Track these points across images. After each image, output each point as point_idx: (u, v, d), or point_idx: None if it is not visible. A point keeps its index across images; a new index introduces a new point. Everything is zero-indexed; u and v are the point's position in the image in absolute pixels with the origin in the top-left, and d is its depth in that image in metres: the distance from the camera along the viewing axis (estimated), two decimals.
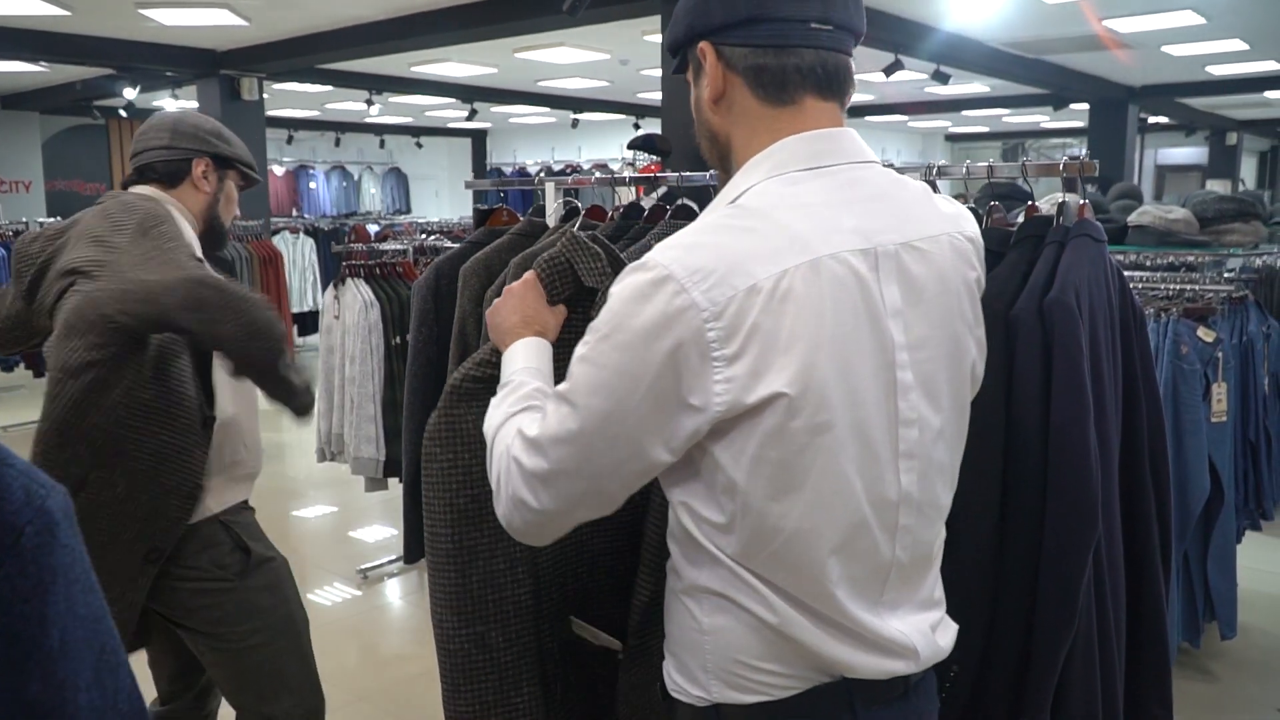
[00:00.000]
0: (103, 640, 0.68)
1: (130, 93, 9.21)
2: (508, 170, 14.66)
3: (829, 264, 1.00)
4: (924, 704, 1.18)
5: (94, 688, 0.66)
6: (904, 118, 14.71)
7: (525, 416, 1.13)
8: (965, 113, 13.80)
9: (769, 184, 1.07)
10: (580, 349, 1.05)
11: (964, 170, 1.98)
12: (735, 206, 1.07)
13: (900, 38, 7.37)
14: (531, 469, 1.07)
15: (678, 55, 1.18)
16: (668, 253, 1.00)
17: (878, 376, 1.04)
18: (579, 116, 12.92)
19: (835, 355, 1.00)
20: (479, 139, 17.01)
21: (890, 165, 1.99)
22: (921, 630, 1.14)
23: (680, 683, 1.14)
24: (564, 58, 8.89)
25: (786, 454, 1.01)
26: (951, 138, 19.29)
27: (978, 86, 11.21)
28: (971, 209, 1.87)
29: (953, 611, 1.61)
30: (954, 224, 1.14)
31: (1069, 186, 1.89)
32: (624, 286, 1.02)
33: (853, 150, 1.10)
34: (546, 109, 12.91)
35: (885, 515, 1.07)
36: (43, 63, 7.98)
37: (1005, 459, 1.58)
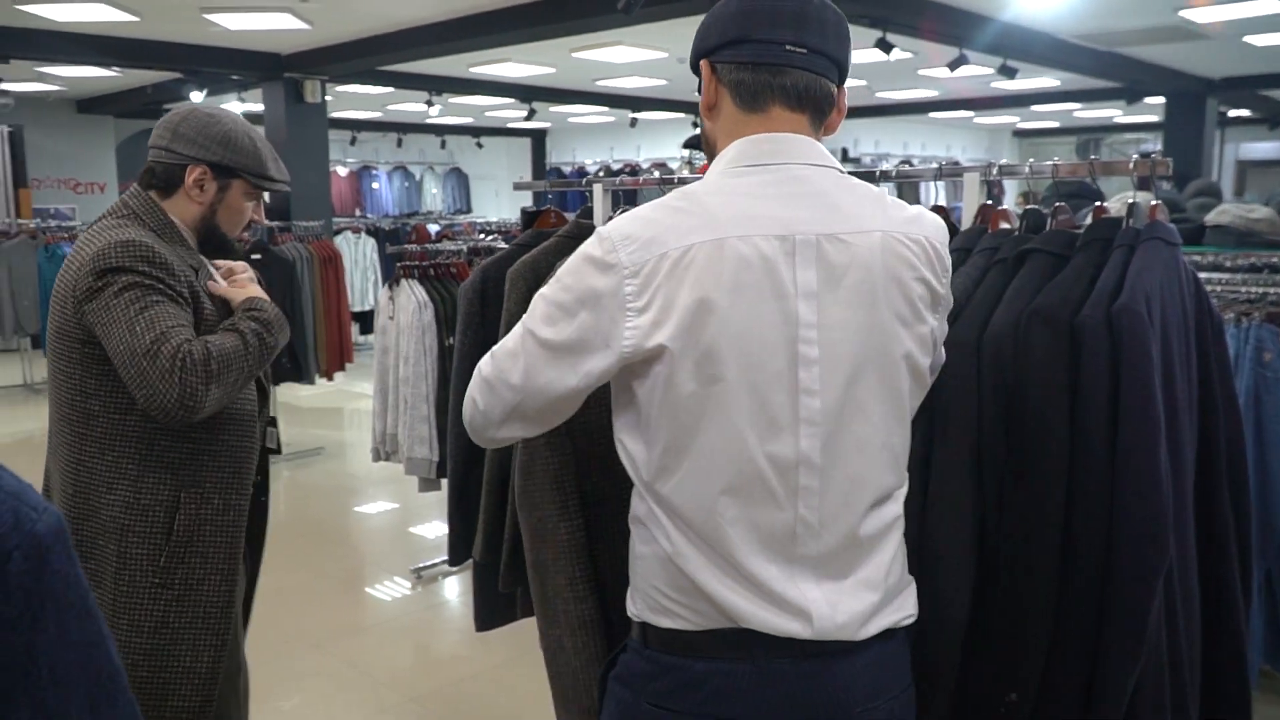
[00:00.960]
0: (99, 666, 0.65)
1: (198, 96, 9.40)
2: (567, 170, 14.70)
3: (734, 244, 1.17)
4: (844, 674, 1.24)
5: (87, 716, 0.64)
6: (969, 113, 14.44)
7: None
8: (1034, 108, 13.49)
9: (719, 175, 1.26)
10: (542, 289, 1.27)
11: (1027, 168, 1.89)
12: (680, 191, 1.25)
13: (964, 31, 7.21)
14: (484, 375, 1.30)
15: (698, 74, 1.35)
16: (616, 222, 1.22)
17: (781, 347, 1.19)
18: (637, 115, 12.89)
19: (730, 320, 1.17)
20: (538, 139, 17.09)
21: (955, 163, 1.90)
22: (835, 603, 1.23)
23: (627, 599, 1.34)
24: (621, 56, 8.86)
25: (684, 397, 1.19)
26: (1019, 134, 18.89)
27: (1047, 80, 10.94)
28: (1033, 209, 1.79)
29: (1012, 636, 1.55)
30: (900, 226, 1.25)
31: (1142, 185, 1.80)
32: (583, 244, 1.24)
33: (799, 153, 1.25)
34: (605, 108, 12.90)
35: (785, 474, 1.21)
36: (114, 68, 8.19)
37: (1069, 476, 1.50)
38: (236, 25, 7.19)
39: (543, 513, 1.58)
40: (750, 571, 1.21)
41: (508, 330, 2.13)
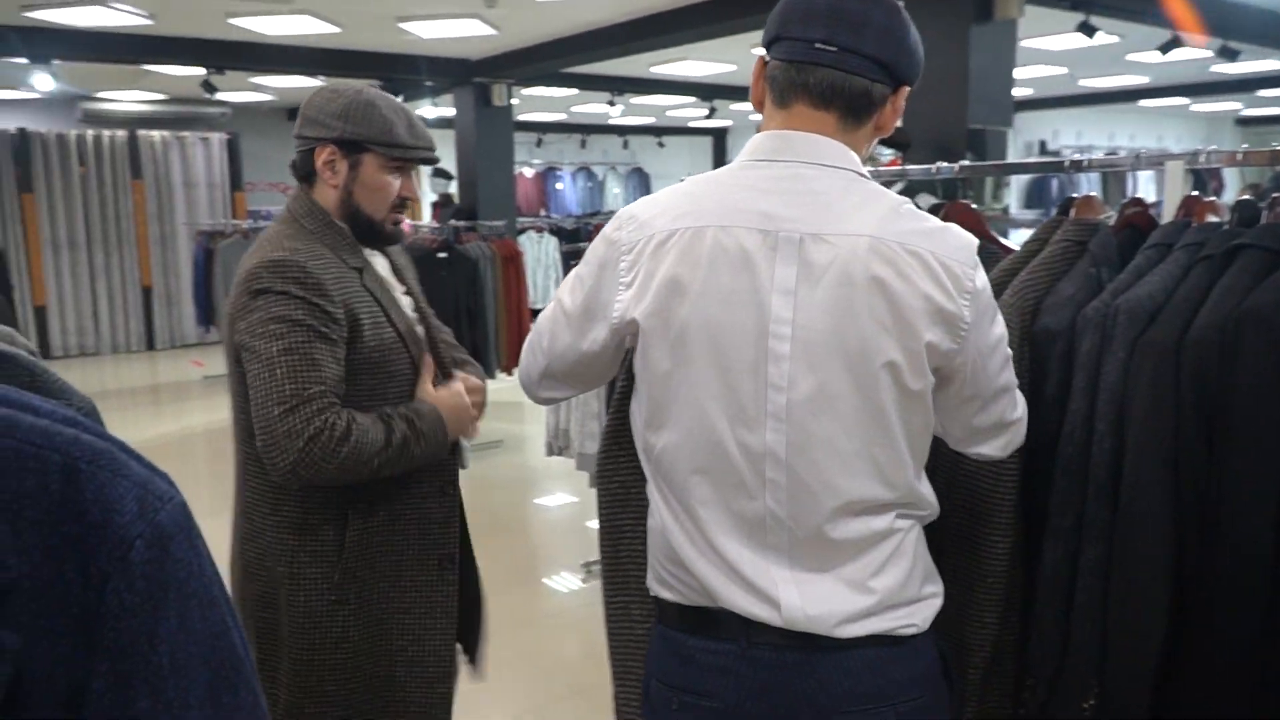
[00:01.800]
0: (222, 656, 0.66)
1: None
2: None
3: (714, 233, 1.23)
4: (828, 671, 1.24)
5: (208, 705, 0.64)
6: (1185, 100, 13.42)
7: None
8: (1260, 92, 12.40)
9: (730, 167, 1.31)
10: None
11: (1239, 155, 1.70)
12: (694, 177, 1.33)
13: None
14: (529, 337, 1.45)
15: None
16: (633, 203, 1.34)
17: (752, 339, 1.22)
18: None
19: (702, 305, 1.23)
20: (719, 137, 17.06)
21: (1166, 153, 1.74)
22: (807, 595, 1.24)
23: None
24: None
25: (659, 374, 1.27)
26: (1243, 121, 17.42)
27: (1276, 63, 10.02)
28: (1246, 200, 1.61)
29: (1214, 672, 1.39)
30: (899, 236, 1.21)
31: None
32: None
33: (808, 151, 1.26)
34: None
35: (753, 462, 1.24)
36: (319, 76, 8.69)
37: None
38: (429, 34, 7.50)
39: (625, 478, 1.59)
40: (724, 552, 1.26)
41: None
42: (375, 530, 1.79)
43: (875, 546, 1.27)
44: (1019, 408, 1.38)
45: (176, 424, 7.71)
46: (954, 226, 1.26)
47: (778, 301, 1.21)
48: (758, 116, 1.35)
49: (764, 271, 1.21)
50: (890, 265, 1.19)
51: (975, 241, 1.26)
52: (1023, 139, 14.24)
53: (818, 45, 1.23)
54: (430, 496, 1.86)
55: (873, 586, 1.26)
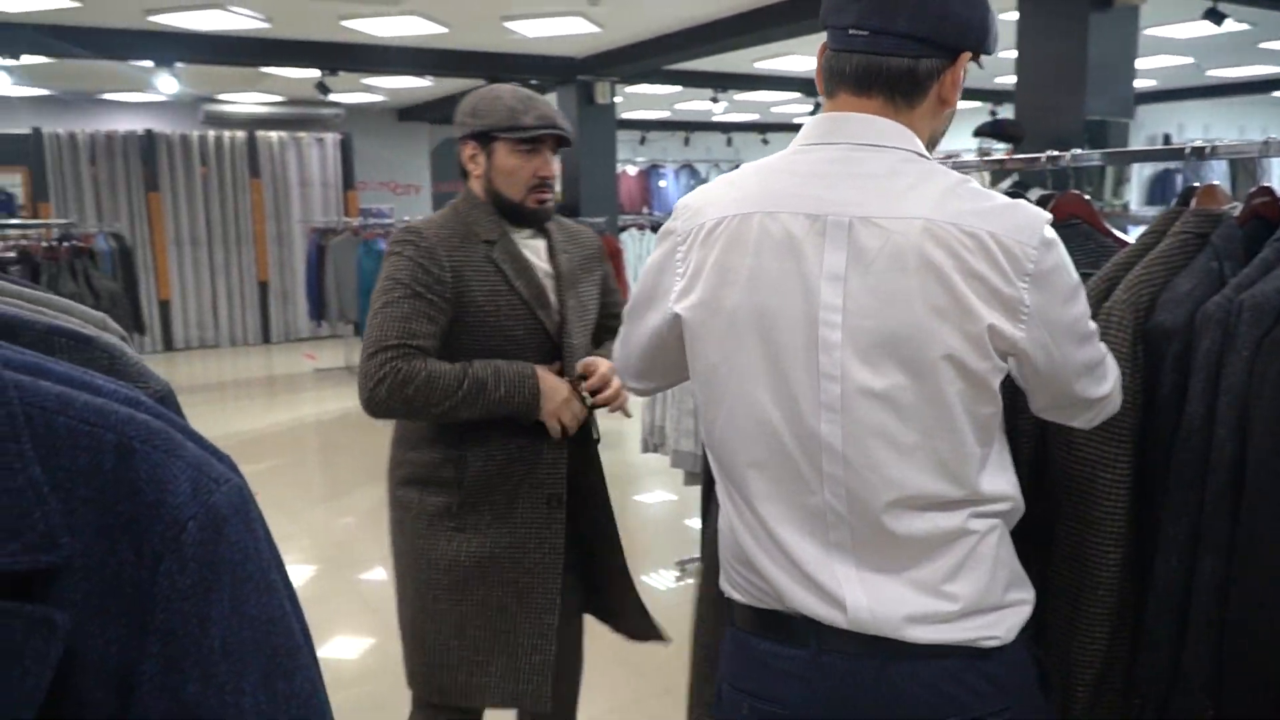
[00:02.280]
0: (276, 643, 0.65)
1: None
2: None
3: (761, 219, 1.21)
4: (900, 680, 1.20)
5: (261, 692, 0.63)
6: None
7: None
8: None
9: (783, 152, 1.29)
10: None
11: None
12: (749, 164, 1.31)
13: None
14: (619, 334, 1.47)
15: None
16: (690, 192, 1.35)
17: (802, 328, 1.18)
18: None
19: (750, 293, 1.21)
20: None
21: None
22: (874, 595, 1.20)
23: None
24: None
25: (710, 365, 1.27)
26: None
27: None
28: None
29: None
30: (955, 216, 1.15)
31: None
32: None
33: (857, 133, 1.22)
34: None
35: (811, 456, 1.20)
36: (427, 76, 8.89)
37: None
38: (533, 32, 7.59)
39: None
40: (787, 548, 1.24)
41: None
42: (492, 471, 2.03)
43: (948, 548, 1.21)
44: (1108, 382, 1.29)
45: (289, 414, 7.98)
46: (1023, 203, 1.19)
47: (827, 288, 1.17)
48: None
49: (812, 257, 1.18)
50: (944, 248, 1.13)
51: (1045, 217, 1.18)
52: (1145, 133, 13.65)
53: (850, 32, 1.21)
54: (540, 439, 2.05)
55: (949, 592, 1.20)
